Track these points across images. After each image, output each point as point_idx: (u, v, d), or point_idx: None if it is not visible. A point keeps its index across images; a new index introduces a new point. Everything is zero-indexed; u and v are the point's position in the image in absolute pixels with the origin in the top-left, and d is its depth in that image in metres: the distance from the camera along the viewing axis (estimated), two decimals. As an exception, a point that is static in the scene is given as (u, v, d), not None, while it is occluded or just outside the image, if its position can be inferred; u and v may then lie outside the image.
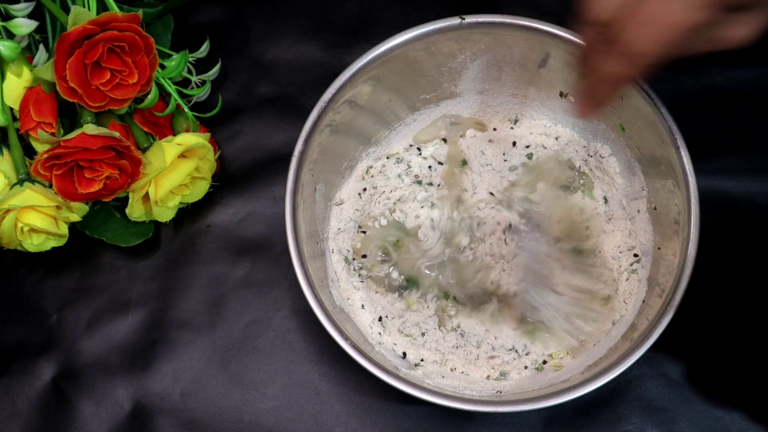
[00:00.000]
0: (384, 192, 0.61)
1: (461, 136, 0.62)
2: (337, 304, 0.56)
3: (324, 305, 0.52)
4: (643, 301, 0.56)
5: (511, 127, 0.62)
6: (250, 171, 0.65)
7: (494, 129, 0.62)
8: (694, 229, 0.52)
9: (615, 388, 0.58)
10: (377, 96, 0.58)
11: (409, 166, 0.61)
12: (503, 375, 0.57)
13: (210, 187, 0.62)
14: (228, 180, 0.65)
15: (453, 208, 0.60)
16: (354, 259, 0.59)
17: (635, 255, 0.58)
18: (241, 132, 0.66)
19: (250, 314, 0.62)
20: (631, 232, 0.59)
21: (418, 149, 0.62)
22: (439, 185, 0.61)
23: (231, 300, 0.62)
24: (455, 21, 0.56)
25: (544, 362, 0.57)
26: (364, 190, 0.61)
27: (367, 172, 0.61)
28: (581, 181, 0.60)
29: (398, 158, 0.61)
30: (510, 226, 0.59)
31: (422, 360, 0.57)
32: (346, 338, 0.51)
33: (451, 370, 0.57)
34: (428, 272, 0.59)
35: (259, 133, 0.65)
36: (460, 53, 0.58)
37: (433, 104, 0.61)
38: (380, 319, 0.58)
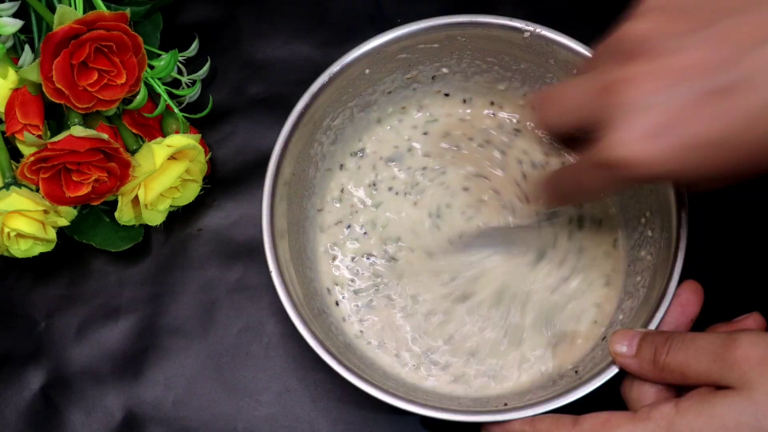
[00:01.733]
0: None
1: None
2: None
3: (311, 328, 0.52)
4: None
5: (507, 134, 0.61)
6: (242, 173, 0.64)
7: (489, 133, 0.61)
8: (683, 231, 0.52)
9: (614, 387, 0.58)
10: (364, 98, 0.59)
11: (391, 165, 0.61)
12: (502, 379, 0.56)
13: (201, 190, 0.61)
14: (219, 182, 0.64)
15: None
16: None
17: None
18: (233, 133, 0.65)
19: (244, 320, 0.61)
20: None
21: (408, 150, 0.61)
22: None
23: (224, 305, 0.62)
24: (445, 20, 0.55)
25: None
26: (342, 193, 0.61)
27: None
28: None
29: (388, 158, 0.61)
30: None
31: (417, 363, 0.57)
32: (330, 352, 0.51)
33: (453, 378, 0.56)
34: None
35: (251, 134, 0.65)
36: (451, 54, 0.58)
37: (424, 105, 0.61)
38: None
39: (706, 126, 0.39)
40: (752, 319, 0.49)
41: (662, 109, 0.39)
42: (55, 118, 0.58)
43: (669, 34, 0.40)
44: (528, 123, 0.60)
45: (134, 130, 0.59)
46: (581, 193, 0.48)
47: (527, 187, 0.58)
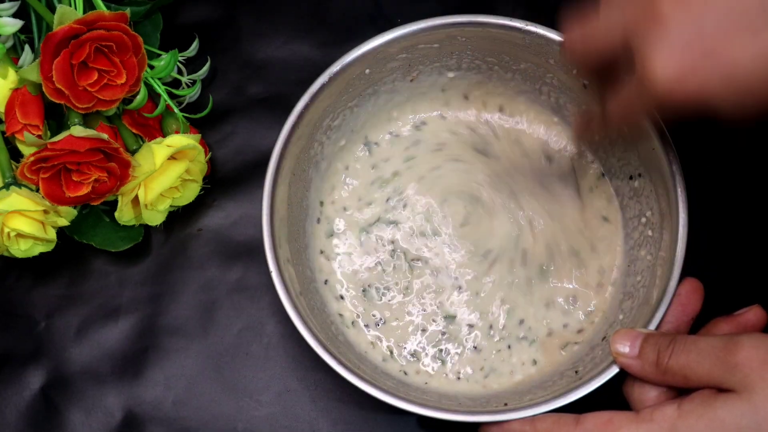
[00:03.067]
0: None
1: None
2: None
3: (310, 326, 0.51)
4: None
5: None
6: (242, 173, 0.64)
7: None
8: (682, 231, 0.52)
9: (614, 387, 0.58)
10: (364, 98, 0.59)
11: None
12: (500, 378, 0.56)
13: (201, 190, 0.61)
14: (219, 182, 0.64)
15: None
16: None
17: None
18: (233, 133, 0.65)
19: (244, 319, 0.61)
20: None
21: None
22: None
23: (224, 305, 0.61)
24: (445, 20, 0.55)
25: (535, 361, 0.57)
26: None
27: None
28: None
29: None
30: None
31: (415, 363, 0.57)
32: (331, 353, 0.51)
33: (457, 377, 0.56)
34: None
35: (251, 134, 0.65)
36: (451, 54, 0.58)
37: (424, 105, 0.61)
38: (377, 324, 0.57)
39: (740, 55, 0.40)
40: (753, 313, 0.49)
41: (700, 33, 0.40)
42: (55, 118, 0.58)
43: None
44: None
45: (134, 130, 0.59)
46: (624, 116, 0.48)
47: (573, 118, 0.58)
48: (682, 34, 0.40)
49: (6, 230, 0.55)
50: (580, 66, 0.48)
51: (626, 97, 0.46)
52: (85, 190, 0.54)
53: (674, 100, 0.41)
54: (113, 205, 0.59)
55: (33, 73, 0.54)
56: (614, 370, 0.49)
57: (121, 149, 0.54)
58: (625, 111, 0.47)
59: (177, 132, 0.60)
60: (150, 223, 0.59)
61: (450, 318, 0.58)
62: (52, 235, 0.57)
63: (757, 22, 0.39)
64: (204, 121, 0.64)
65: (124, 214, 0.58)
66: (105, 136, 0.54)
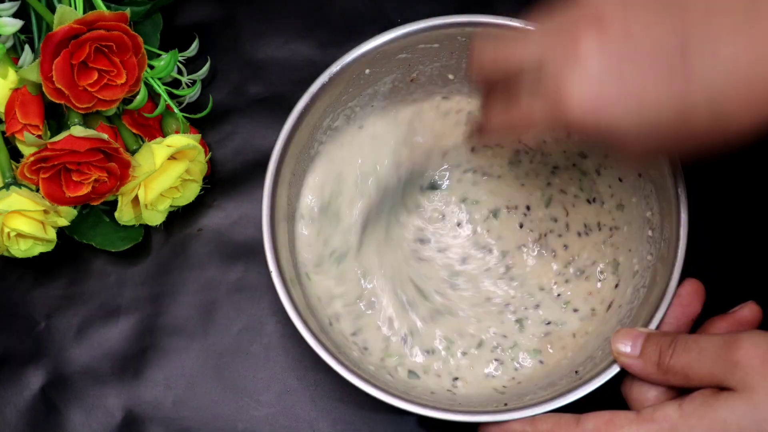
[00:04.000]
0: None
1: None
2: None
3: (310, 327, 0.51)
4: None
5: None
6: (242, 173, 0.64)
7: None
8: (683, 231, 0.52)
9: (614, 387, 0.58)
10: (364, 98, 0.59)
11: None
12: (497, 377, 0.56)
13: (201, 190, 0.61)
14: (219, 182, 0.64)
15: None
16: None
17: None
18: (233, 133, 0.65)
19: (244, 319, 0.61)
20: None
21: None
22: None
23: (224, 305, 0.61)
24: (445, 20, 0.55)
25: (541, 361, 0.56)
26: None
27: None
28: None
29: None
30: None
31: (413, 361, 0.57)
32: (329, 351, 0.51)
33: (454, 379, 0.56)
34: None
35: (251, 134, 0.65)
36: (451, 54, 0.58)
37: (423, 105, 0.61)
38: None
39: (653, 96, 0.40)
40: (748, 309, 0.50)
41: (618, 71, 0.41)
42: (55, 118, 0.58)
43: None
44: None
45: (134, 130, 0.59)
46: (516, 125, 0.48)
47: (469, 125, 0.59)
48: (601, 69, 0.41)
49: (6, 230, 0.55)
50: (479, 80, 0.49)
51: (521, 114, 0.45)
52: (85, 190, 0.54)
53: (583, 129, 0.42)
54: (113, 205, 0.59)
55: (33, 73, 0.54)
56: (614, 370, 0.49)
57: (121, 149, 0.55)
58: (515, 125, 0.47)
59: (177, 132, 0.60)
60: (150, 223, 0.59)
61: (447, 317, 0.58)
62: (52, 235, 0.57)
63: (674, 65, 0.40)
64: (204, 121, 0.64)
65: (124, 214, 0.59)
66: (105, 136, 0.54)
